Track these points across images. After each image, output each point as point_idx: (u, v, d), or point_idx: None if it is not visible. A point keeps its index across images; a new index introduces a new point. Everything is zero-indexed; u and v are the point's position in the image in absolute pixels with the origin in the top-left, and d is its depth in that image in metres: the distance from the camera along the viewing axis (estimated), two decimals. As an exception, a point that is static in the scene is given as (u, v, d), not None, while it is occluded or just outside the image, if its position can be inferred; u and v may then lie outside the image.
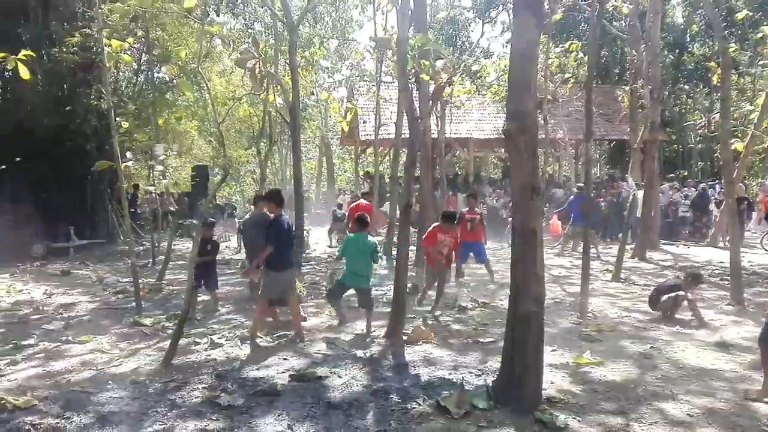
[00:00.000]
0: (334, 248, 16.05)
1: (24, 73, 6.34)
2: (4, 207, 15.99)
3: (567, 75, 18.06)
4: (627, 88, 19.69)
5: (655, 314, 7.82)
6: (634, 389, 5.13)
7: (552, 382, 5.22)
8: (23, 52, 6.33)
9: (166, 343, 6.25)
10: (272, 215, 6.96)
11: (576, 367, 5.71)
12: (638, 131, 16.80)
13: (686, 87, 30.83)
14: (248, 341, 6.71)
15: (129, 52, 12.66)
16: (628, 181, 16.99)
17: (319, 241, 18.20)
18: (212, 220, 9.28)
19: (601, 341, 6.69)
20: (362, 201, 12.87)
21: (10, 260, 14.12)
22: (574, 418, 4.47)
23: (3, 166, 10.50)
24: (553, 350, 6.18)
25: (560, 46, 18.76)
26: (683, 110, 31.41)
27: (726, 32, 23.45)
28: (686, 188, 19.58)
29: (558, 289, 9.88)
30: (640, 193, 14.46)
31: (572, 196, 14.92)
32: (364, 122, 22.65)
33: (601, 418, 4.52)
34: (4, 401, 4.85)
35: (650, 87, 14.64)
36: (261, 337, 6.87)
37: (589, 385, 5.22)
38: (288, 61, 11.15)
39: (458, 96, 17.78)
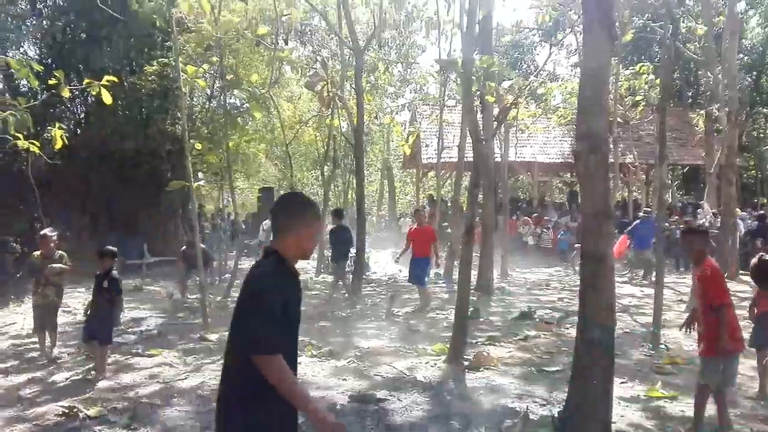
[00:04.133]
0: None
1: (106, 98, 6.72)
2: (83, 224, 16.93)
3: (638, 98, 17.54)
4: (701, 111, 18.94)
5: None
6: (710, 426, 4.81)
7: (622, 416, 4.97)
8: (106, 78, 6.70)
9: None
10: None
11: (648, 401, 5.42)
12: (714, 156, 16.11)
13: (764, 110, 29.35)
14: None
15: (204, 78, 13.22)
16: (704, 207, 16.23)
17: (379, 262, 18.24)
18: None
19: (675, 374, 6.33)
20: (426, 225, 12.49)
21: (87, 275, 14.84)
22: (647, 455, 4.23)
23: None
24: (623, 382, 5.89)
25: (630, 68, 18.27)
26: (761, 134, 29.86)
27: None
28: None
29: (629, 319, 9.46)
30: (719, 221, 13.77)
31: (637, 221, 14.34)
32: (426, 146, 22.69)
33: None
34: (76, 410, 5.05)
35: (727, 110, 14.03)
36: None
37: (662, 420, 4.93)
38: (354, 85, 11.34)
39: (523, 119, 17.60)
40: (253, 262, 2.72)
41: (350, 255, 12.52)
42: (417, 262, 10.64)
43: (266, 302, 2.30)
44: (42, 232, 7.42)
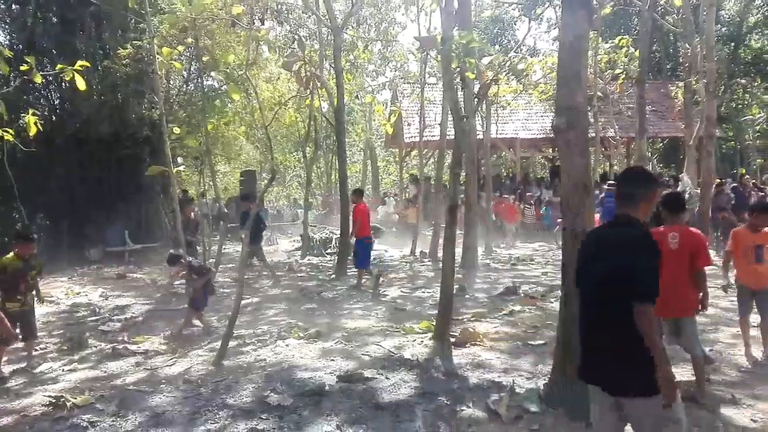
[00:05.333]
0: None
1: (80, 83, 6.58)
2: (63, 212, 16.70)
3: (617, 71, 17.58)
4: (681, 83, 19.04)
5: (714, 315, 7.48)
6: (690, 391, 4.91)
7: (606, 386, 5.05)
8: (79, 62, 6.55)
9: (217, 344, 6.36)
10: None
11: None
12: (693, 128, 16.23)
13: (743, 81, 29.58)
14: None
15: (179, 60, 13.00)
16: (683, 179, 16.40)
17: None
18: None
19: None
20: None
21: (68, 264, 14.72)
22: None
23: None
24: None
25: (610, 41, 18.28)
26: (740, 105, 30.14)
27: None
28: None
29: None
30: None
31: (602, 194, 13.34)
32: (408, 125, 22.61)
33: (659, 424, 4.33)
34: (63, 399, 5.02)
35: (705, 81, 14.10)
36: None
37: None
38: (333, 64, 11.23)
39: (504, 96, 17.57)
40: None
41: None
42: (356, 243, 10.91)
43: (656, 257, 2.77)
44: (27, 234, 6.88)
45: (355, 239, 10.90)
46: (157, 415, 4.74)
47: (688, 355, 4.91)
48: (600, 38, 18.08)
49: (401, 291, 10.25)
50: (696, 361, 4.85)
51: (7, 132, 6.36)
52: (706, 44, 14.35)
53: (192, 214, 12.38)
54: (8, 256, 6.26)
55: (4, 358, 6.23)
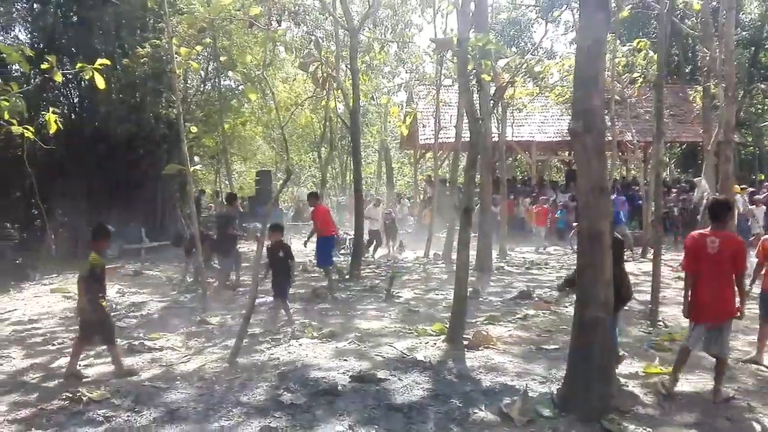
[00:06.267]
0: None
1: (100, 82, 6.62)
2: (81, 209, 16.92)
3: (635, 75, 17.41)
4: (699, 87, 18.82)
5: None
6: (708, 401, 4.86)
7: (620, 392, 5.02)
8: (99, 61, 6.61)
9: (232, 342, 6.40)
10: None
11: (646, 377, 5.47)
12: (711, 132, 16.02)
13: (762, 86, 29.21)
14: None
15: (197, 60, 13.11)
16: (700, 184, 16.21)
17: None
18: (279, 223, 9.41)
19: (673, 351, 6.37)
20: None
21: (86, 260, 14.86)
22: (645, 429, 4.28)
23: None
24: (621, 358, 5.94)
25: (628, 44, 18.12)
26: (759, 110, 29.77)
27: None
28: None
29: (626, 296, 9.50)
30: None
31: (613, 195, 13.95)
32: (423, 126, 22.61)
33: (672, 430, 4.30)
34: (80, 394, 5.09)
35: (724, 86, 13.89)
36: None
37: (661, 396, 4.98)
38: (349, 65, 11.27)
39: (520, 98, 17.50)
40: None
41: None
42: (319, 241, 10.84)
43: None
44: (107, 229, 6.52)
45: (317, 238, 10.81)
46: (171, 411, 4.78)
47: (709, 358, 4.92)
48: (618, 41, 17.93)
49: (414, 293, 10.25)
50: (722, 362, 4.91)
51: (28, 130, 6.43)
52: (726, 48, 14.13)
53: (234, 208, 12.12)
54: (94, 255, 6.02)
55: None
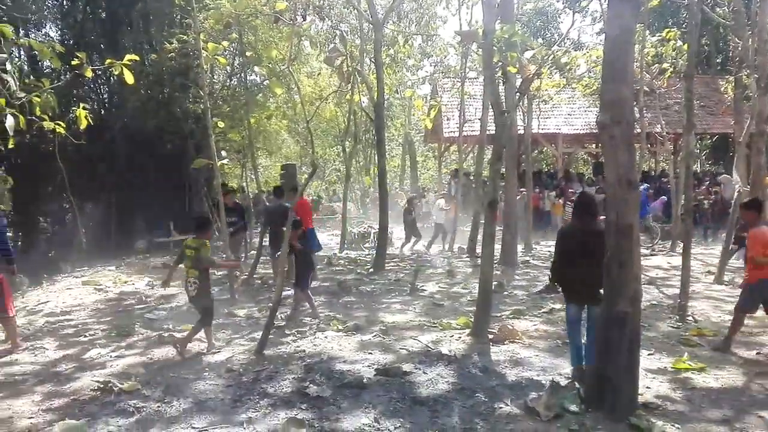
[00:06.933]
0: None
1: (129, 77, 6.72)
2: (111, 203, 17.25)
3: (665, 65, 17.06)
4: (731, 77, 18.37)
5: (760, 318, 7.23)
6: (738, 397, 4.78)
7: (648, 387, 4.96)
8: (128, 57, 6.70)
9: (258, 334, 6.48)
10: None
11: (675, 373, 5.39)
12: (743, 124, 15.63)
13: (798, 75, 28.35)
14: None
15: (224, 55, 13.20)
16: (733, 176, 15.84)
17: (402, 239, 18.24)
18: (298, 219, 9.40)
19: (703, 346, 6.28)
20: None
21: (115, 253, 15.20)
22: (673, 425, 4.23)
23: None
24: (650, 354, 5.87)
25: (657, 34, 17.76)
26: (795, 100, 28.88)
27: None
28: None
29: (655, 291, 9.38)
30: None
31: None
32: (447, 119, 22.47)
33: (702, 427, 4.24)
34: (111, 384, 5.21)
35: (757, 76, 13.53)
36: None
37: (690, 392, 4.91)
38: (373, 59, 11.24)
39: (547, 90, 17.29)
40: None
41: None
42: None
43: None
44: (208, 219, 7.08)
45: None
46: (200, 401, 4.87)
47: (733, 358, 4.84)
48: (647, 31, 17.59)
49: (439, 286, 10.23)
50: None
51: (59, 125, 6.56)
52: (759, 37, 13.73)
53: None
54: (206, 243, 6.34)
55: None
